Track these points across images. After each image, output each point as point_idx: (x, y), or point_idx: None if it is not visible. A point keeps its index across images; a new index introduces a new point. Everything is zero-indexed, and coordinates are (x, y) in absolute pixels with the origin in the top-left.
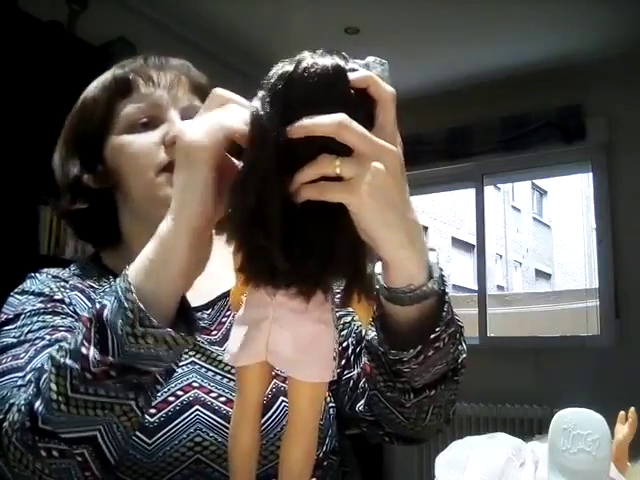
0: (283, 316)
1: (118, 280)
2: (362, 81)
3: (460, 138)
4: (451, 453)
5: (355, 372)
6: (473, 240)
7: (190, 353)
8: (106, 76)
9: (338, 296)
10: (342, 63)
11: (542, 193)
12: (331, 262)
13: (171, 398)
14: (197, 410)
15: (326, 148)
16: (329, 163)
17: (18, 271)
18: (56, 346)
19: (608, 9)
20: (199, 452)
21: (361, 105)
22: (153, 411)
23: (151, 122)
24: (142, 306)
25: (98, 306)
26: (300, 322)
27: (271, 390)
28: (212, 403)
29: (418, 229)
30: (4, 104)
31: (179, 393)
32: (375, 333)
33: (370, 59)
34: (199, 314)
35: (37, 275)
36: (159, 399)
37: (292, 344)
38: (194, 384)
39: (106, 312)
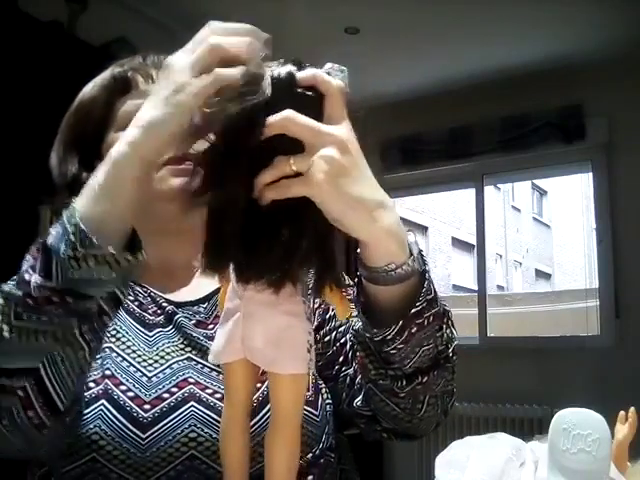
0: (254, 310)
1: (65, 210)
2: (308, 79)
3: (460, 138)
4: (451, 453)
5: (352, 369)
6: (473, 240)
7: (187, 349)
8: (104, 75)
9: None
10: (294, 69)
11: (542, 193)
12: (296, 254)
13: (165, 395)
14: (192, 406)
15: (285, 151)
16: (285, 163)
17: (18, 270)
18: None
19: (608, 9)
20: (194, 448)
21: (310, 101)
22: (147, 407)
23: None
24: (83, 226)
25: (43, 239)
26: (270, 315)
27: (267, 387)
28: (207, 399)
29: (386, 204)
30: (4, 104)
31: (174, 390)
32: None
33: (328, 65)
34: (195, 308)
35: None
36: (153, 395)
37: (264, 337)
38: (190, 380)
39: (50, 239)
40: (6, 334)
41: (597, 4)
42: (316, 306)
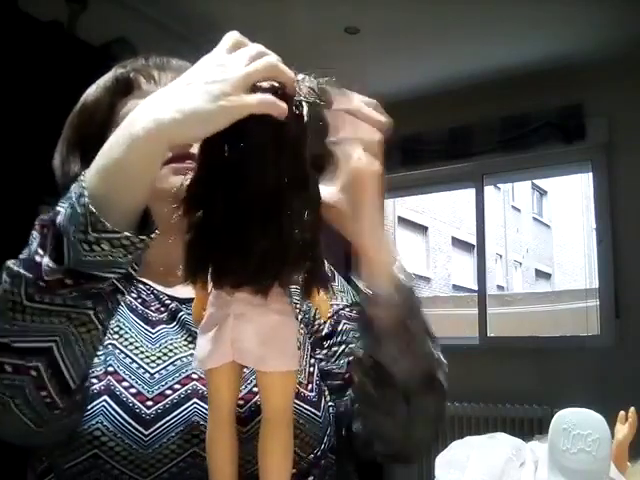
0: (244, 311)
1: (73, 185)
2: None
3: (460, 138)
4: (451, 453)
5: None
6: (473, 240)
7: (190, 345)
8: (107, 77)
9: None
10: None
11: (542, 193)
12: (283, 260)
13: (168, 391)
14: (195, 403)
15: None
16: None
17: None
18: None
19: (608, 9)
20: (196, 445)
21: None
22: (150, 403)
23: None
24: (93, 208)
25: (52, 212)
26: (261, 315)
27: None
28: None
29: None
30: (4, 104)
31: (177, 386)
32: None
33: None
34: None
35: None
36: (156, 392)
37: (256, 337)
38: (193, 376)
39: (59, 218)
40: (19, 315)
41: (597, 4)
42: (329, 315)
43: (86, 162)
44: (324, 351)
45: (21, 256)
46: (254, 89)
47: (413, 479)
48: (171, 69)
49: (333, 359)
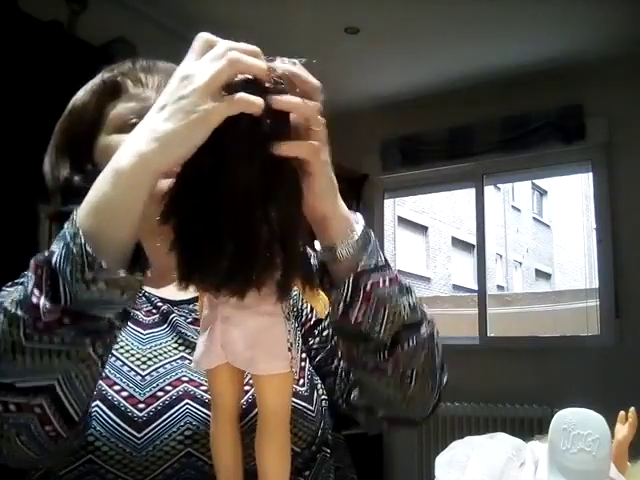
0: (230, 314)
1: (66, 225)
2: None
3: (460, 138)
4: (451, 453)
5: (344, 363)
6: (473, 240)
7: (180, 348)
8: (95, 81)
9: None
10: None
11: (542, 193)
12: (252, 261)
13: (160, 393)
14: (187, 404)
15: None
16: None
17: (18, 271)
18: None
19: (608, 9)
20: (189, 445)
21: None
22: (142, 406)
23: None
24: (89, 248)
25: (47, 253)
26: (246, 318)
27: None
28: (202, 396)
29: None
30: (4, 104)
31: (168, 388)
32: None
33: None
34: (191, 306)
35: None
36: (147, 394)
37: (242, 340)
38: (183, 378)
39: (54, 259)
40: (19, 356)
41: (597, 4)
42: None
43: (75, 167)
44: (317, 338)
45: (16, 298)
46: (227, 87)
47: (413, 479)
48: (158, 71)
49: (326, 343)
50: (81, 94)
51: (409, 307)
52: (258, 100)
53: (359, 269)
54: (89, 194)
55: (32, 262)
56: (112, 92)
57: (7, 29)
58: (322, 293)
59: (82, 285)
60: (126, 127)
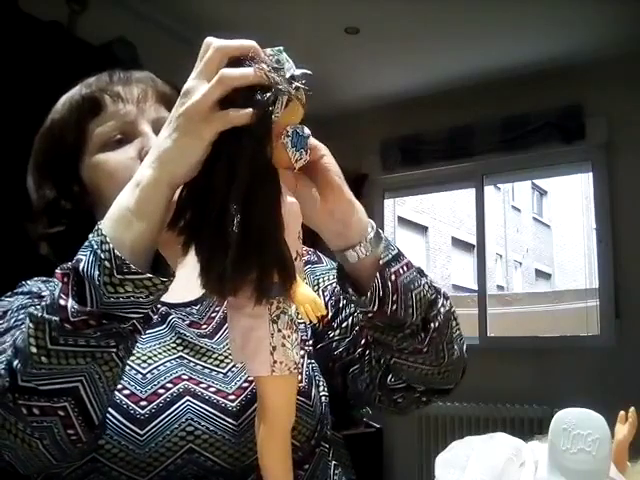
0: (229, 315)
1: (91, 235)
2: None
3: (460, 138)
4: (451, 453)
5: (374, 352)
6: (473, 240)
7: (179, 348)
8: (74, 96)
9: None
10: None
11: (542, 193)
12: (222, 262)
13: (161, 390)
14: (188, 401)
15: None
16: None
17: (18, 271)
18: (34, 306)
19: (607, 9)
20: (191, 441)
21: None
22: (144, 403)
23: (124, 138)
24: (119, 253)
25: (73, 262)
26: (236, 318)
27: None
28: (202, 393)
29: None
30: (4, 104)
31: (169, 385)
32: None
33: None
34: (188, 309)
35: (27, 281)
36: (149, 392)
37: (234, 341)
38: (183, 376)
39: (82, 265)
40: (44, 359)
41: (597, 4)
42: (327, 299)
43: (60, 188)
44: (337, 331)
45: (43, 303)
46: (232, 64)
47: (413, 479)
48: (135, 81)
49: (347, 334)
50: (59, 109)
51: (428, 286)
52: (246, 112)
53: (381, 262)
54: (113, 205)
55: (57, 272)
56: (91, 109)
57: (7, 29)
58: (315, 295)
59: (110, 287)
60: (110, 144)
